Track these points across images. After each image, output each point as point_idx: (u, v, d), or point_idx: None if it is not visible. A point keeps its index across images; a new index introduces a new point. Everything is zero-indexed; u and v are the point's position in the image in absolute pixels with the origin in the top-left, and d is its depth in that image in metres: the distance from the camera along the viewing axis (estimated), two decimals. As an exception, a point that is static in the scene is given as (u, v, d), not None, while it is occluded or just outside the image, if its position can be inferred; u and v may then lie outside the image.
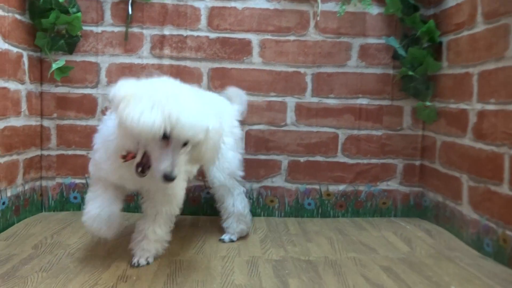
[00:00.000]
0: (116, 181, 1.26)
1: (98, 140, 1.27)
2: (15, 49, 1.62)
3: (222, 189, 1.53)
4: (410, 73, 1.80)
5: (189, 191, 1.88)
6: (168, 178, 1.07)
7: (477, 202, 1.52)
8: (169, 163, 1.07)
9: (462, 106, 1.62)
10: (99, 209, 1.25)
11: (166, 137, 1.07)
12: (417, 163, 1.94)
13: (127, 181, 1.25)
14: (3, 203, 1.56)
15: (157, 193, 1.30)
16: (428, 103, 1.83)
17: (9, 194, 1.59)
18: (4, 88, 1.56)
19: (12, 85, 1.60)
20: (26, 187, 1.72)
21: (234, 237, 1.55)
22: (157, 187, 1.28)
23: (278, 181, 1.92)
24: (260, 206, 1.91)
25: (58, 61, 1.75)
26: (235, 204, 1.54)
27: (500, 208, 1.39)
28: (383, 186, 1.94)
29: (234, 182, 1.54)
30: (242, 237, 1.58)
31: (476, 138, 1.53)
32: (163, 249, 1.35)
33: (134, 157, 1.15)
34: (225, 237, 1.55)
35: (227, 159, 1.50)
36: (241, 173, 1.57)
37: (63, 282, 1.16)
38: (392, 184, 1.95)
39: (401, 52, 1.81)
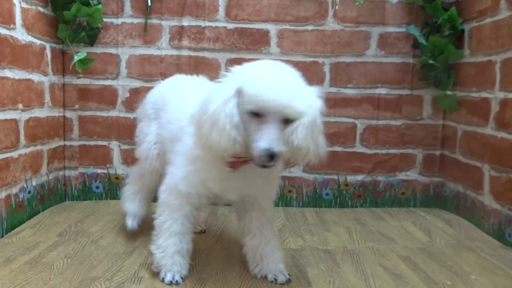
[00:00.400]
0: (219, 193, 1.10)
1: (189, 153, 1.09)
2: (38, 41, 1.66)
3: None
4: (431, 61, 1.77)
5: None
6: (270, 154, 0.92)
7: (499, 192, 1.50)
8: (266, 139, 0.93)
9: (484, 94, 1.59)
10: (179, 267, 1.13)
11: (258, 115, 0.96)
12: (437, 153, 1.92)
13: (232, 191, 1.10)
14: (29, 192, 1.60)
15: (259, 197, 1.16)
16: (449, 92, 1.80)
17: (34, 183, 1.64)
18: (29, 79, 1.60)
19: (36, 77, 1.64)
20: (50, 176, 1.77)
21: None
22: (263, 190, 1.14)
23: (296, 172, 1.92)
24: (278, 196, 1.92)
25: (80, 53, 1.78)
26: None
27: (523, 198, 1.37)
28: (402, 176, 1.93)
29: None
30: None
31: (499, 127, 1.51)
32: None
33: (243, 162, 1.02)
34: None
35: None
36: None
37: (88, 268, 1.19)
38: (411, 174, 1.93)
39: (422, 40, 1.78)
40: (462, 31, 1.76)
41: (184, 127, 1.14)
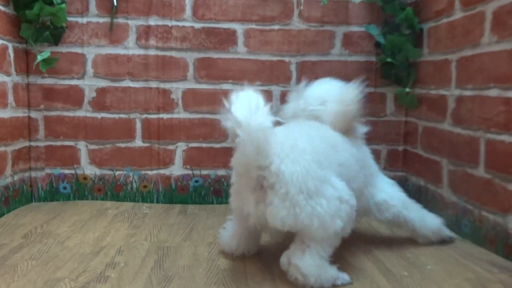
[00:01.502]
0: None
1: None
2: (0, 41, 1.63)
3: None
4: (389, 60, 1.83)
5: (177, 180, 1.92)
6: None
7: (456, 185, 1.57)
8: None
9: (442, 92, 1.66)
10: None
11: None
12: (401, 148, 1.99)
13: None
14: (-7, 194, 1.58)
15: None
16: (408, 90, 1.86)
17: (-2, 185, 1.62)
18: (-10, 80, 1.57)
19: (-2, 78, 1.62)
20: (15, 178, 1.75)
21: None
22: None
23: (264, 169, 1.95)
24: (247, 193, 1.95)
25: (43, 53, 1.76)
26: None
27: (477, 190, 1.44)
28: (367, 171, 1.98)
29: None
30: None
31: (455, 123, 1.57)
32: None
33: None
34: None
35: None
36: None
37: (53, 269, 1.19)
38: (376, 170, 1.99)
39: (380, 39, 1.84)
40: (422, 30, 1.82)
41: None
